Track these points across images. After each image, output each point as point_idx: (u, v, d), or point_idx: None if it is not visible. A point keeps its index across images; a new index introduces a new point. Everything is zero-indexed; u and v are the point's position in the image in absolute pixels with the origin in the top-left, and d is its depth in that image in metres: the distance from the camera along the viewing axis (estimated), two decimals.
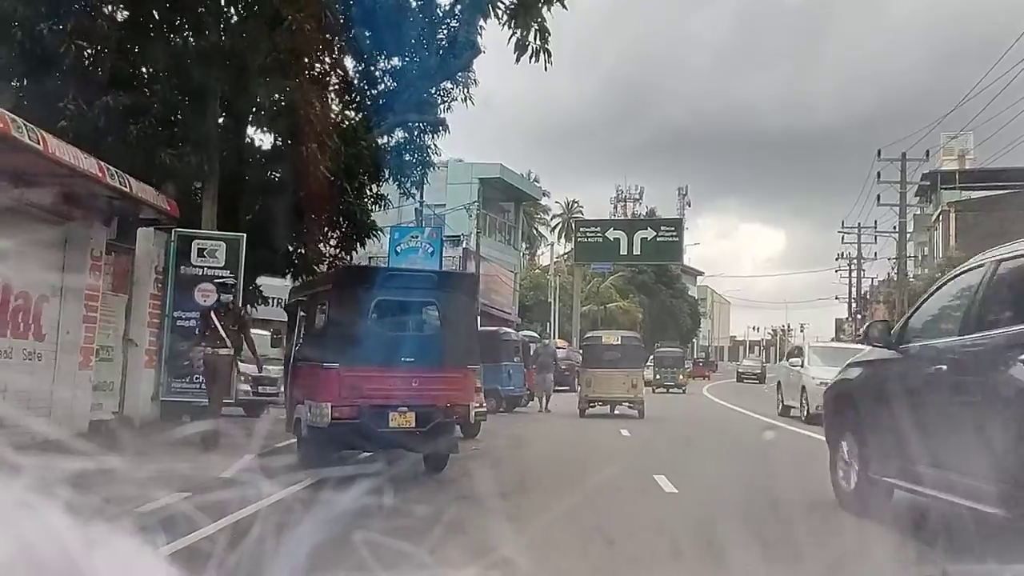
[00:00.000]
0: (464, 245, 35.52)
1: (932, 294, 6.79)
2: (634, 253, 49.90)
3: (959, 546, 4.59)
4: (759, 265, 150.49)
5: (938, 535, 4.87)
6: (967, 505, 5.02)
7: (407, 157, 18.31)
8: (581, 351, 22.77)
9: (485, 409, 12.66)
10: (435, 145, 18.69)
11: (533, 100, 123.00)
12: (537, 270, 62.32)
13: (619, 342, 20.25)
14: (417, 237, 26.37)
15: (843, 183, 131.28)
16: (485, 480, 6.91)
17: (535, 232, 70.29)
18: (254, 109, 12.14)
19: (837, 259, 62.58)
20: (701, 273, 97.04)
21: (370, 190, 17.47)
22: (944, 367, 5.74)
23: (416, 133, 18.46)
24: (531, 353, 20.37)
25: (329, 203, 13.23)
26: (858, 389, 7.15)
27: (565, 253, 64.14)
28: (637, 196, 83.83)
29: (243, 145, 12.48)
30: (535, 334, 43.86)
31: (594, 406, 19.21)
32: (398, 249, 26.37)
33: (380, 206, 18.07)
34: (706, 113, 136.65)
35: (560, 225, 76.59)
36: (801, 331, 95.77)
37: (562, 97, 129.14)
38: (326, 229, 13.64)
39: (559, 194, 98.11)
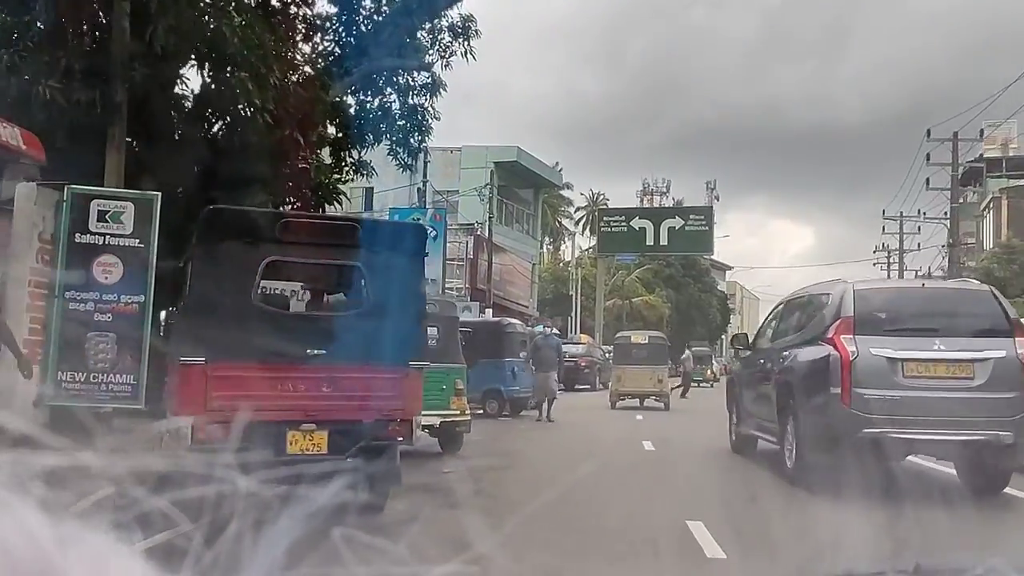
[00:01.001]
0: (477, 232, 32.82)
1: (770, 315, 11.84)
2: (661, 243, 47.00)
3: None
4: (788, 262, 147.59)
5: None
6: (771, 442, 9.54)
7: (400, 121, 15.69)
8: (611, 349, 26.14)
9: (469, 418, 9.96)
10: (432, 108, 16.04)
11: (559, 97, 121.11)
12: (561, 264, 59.46)
13: (646, 341, 22.71)
14: (419, 219, 23.73)
15: (871, 179, 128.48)
16: (432, 541, 3.87)
17: (559, 225, 67.48)
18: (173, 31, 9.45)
19: (875, 251, 59.38)
20: (730, 268, 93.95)
21: (345, 154, 14.90)
22: (762, 361, 10.50)
23: (408, 92, 15.81)
24: (529, 346, 17.41)
25: (278, 158, 10.58)
26: (735, 376, 12.71)
27: (589, 247, 61.31)
28: (664, 190, 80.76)
29: (162, 79, 9.80)
30: (555, 330, 41.18)
31: (624, 399, 21.47)
32: None
33: (363, 174, 15.46)
34: (733, 110, 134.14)
35: (584, 218, 73.60)
36: None
37: (589, 94, 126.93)
38: (272, 191, 10.95)
39: (584, 189, 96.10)
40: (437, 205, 39.69)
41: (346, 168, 15.28)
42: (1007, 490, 8.07)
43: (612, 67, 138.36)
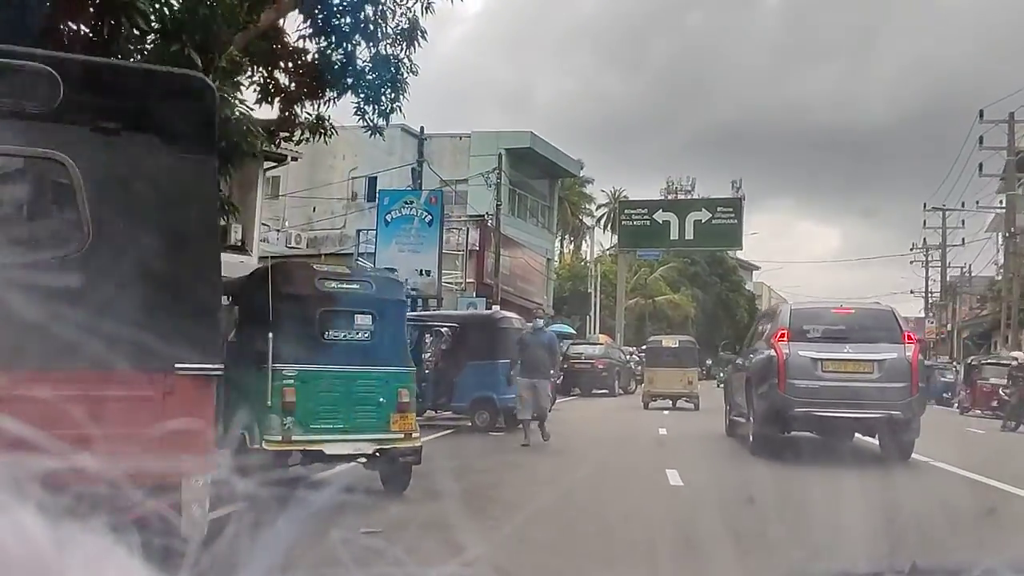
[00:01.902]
0: (487, 222, 29.93)
1: (754, 326, 15.28)
2: (686, 238, 43.89)
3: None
4: (815, 264, 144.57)
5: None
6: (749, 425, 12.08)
7: (369, 75, 12.86)
8: (633, 350, 29.01)
9: (419, 444, 6.94)
10: (410, 60, 13.16)
11: (583, 97, 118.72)
12: (582, 261, 56.39)
13: (677, 345, 23.53)
14: (412, 203, 20.94)
15: (899, 179, 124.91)
16: None
17: (579, 223, 64.40)
18: None
19: (912, 249, 55.82)
20: (757, 267, 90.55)
21: (299, 107, 12.16)
22: (740, 361, 14.03)
23: (380, 39, 12.95)
24: (515, 343, 13.68)
25: None
26: (728, 376, 16.24)
27: (611, 246, 58.21)
28: (689, 188, 77.49)
29: None
30: (570, 328, 38.12)
31: (656, 400, 22.17)
32: (388, 218, 20.99)
33: (322, 134, 12.74)
34: (758, 110, 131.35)
35: (606, 215, 70.39)
36: None
37: (613, 95, 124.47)
38: None
39: (606, 187, 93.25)
40: (452, 200, 37.03)
41: (300, 123, 12.52)
42: (1005, 487, 8.66)
43: (636, 68, 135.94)
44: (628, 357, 35.68)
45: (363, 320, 6.73)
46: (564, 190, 65.28)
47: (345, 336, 6.76)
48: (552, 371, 13.66)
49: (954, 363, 34.53)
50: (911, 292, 61.34)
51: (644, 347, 26.84)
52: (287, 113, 12.50)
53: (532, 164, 38.22)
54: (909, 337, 11.61)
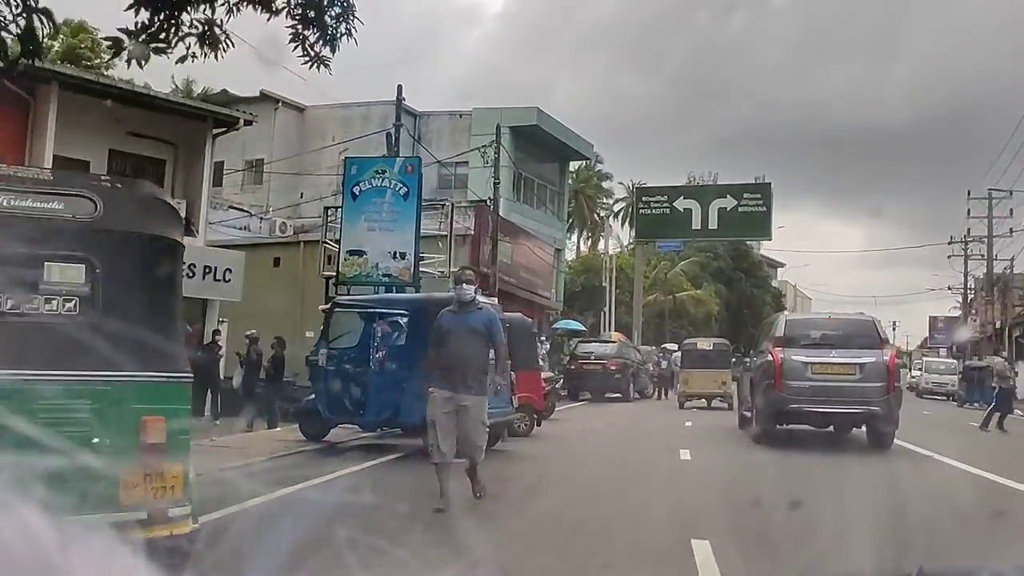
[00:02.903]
0: (490, 207, 26.53)
1: (760, 331, 17.65)
2: (710, 227, 40.24)
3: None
4: (837, 262, 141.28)
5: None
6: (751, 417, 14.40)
7: None
8: (661, 351, 32.70)
9: (193, 528, 3.31)
10: None
11: (600, 97, 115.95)
12: (596, 252, 52.76)
13: (711, 348, 24.52)
14: (384, 172, 17.53)
15: (922, 179, 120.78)
16: None
17: (597, 218, 60.79)
18: None
19: (950, 242, 51.79)
20: (782, 264, 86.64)
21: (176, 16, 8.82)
22: (747, 363, 17.30)
23: None
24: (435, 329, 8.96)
25: None
26: (740, 376, 17.92)
27: (630, 242, 54.54)
28: (711, 184, 73.65)
29: None
30: (579, 325, 34.60)
31: (691, 400, 23.28)
32: (355, 190, 17.59)
33: (210, 46, 9.33)
34: (778, 111, 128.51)
35: (624, 210, 66.61)
36: (893, 329, 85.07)
37: (632, 95, 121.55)
38: None
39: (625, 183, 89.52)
40: (451, 183, 33.63)
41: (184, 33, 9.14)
42: (1013, 484, 9.08)
43: (655, 67, 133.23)
44: (655, 359, 32.15)
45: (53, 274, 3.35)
46: (579, 183, 62.04)
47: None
48: (538, 362, 10.03)
49: (1010, 365, 30.23)
50: (948, 288, 57.49)
51: (681, 350, 27.54)
52: (165, 20, 9.12)
53: (539, 145, 34.74)
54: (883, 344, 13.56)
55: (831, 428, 13.53)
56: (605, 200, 63.32)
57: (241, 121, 18.93)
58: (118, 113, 18.01)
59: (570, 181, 61.51)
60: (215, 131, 19.33)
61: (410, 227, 17.53)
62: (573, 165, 43.68)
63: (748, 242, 63.98)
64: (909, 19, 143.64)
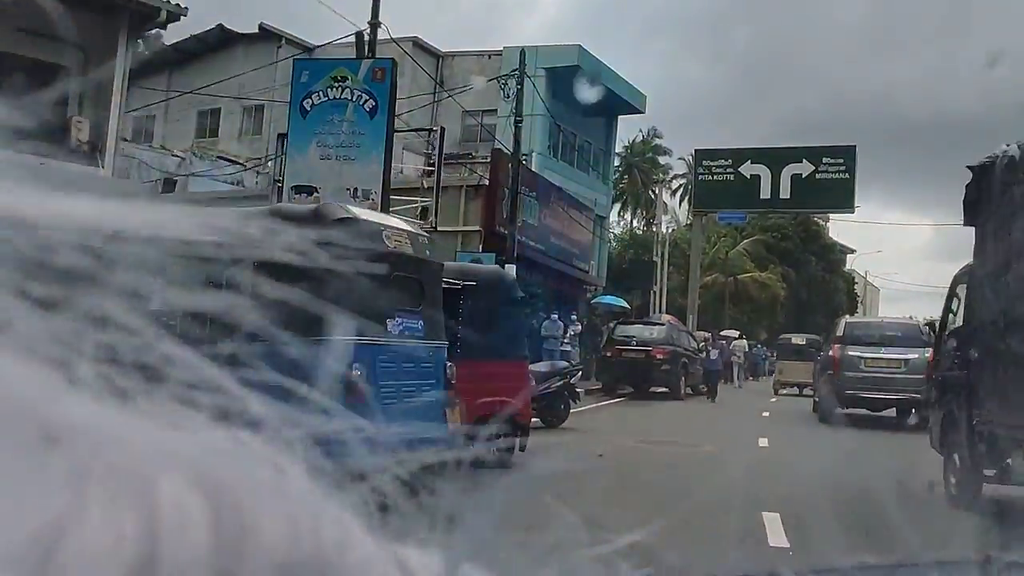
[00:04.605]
0: (523, 159, 21.44)
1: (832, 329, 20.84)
2: (781, 197, 34.58)
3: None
4: (905, 256, 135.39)
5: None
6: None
7: None
8: (776, 348, 32.75)
9: None
10: None
11: (664, 84, 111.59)
12: (649, 228, 47.26)
13: (804, 342, 27.83)
14: (344, 80, 12.56)
15: None
16: None
17: (651, 195, 55.17)
18: None
19: None
20: (852, 251, 79.83)
21: None
22: (819, 357, 20.45)
23: None
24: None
25: None
26: (815, 368, 20.74)
27: (687, 220, 48.99)
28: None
29: None
30: (622, 302, 29.30)
31: (784, 388, 26.43)
32: (307, 104, 12.71)
33: None
34: (842, 99, 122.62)
35: (683, 187, 60.76)
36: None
37: (694, 81, 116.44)
38: None
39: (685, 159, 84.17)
40: (474, 135, 28.69)
41: None
42: None
43: (717, 54, 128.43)
44: (701, 345, 26.51)
45: None
46: (634, 156, 56.59)
47: None
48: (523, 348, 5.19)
49: None
50: None
51: (776, 344, 31.52)
52: None
53: (582, 93, 29.39)
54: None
55: (892, 411, 15.93)
56: (662, 176, 57.68)
57: (163, 14, 14.13)
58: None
59: (622, 150, 56.29)
60: (136, 33, 14.67)
61: (378, 155, 12.58)
62: (625, 133, 38.31)
63: (819, 222, 58.22)
64: (981, 6, 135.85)
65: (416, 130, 17.22)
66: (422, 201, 13.92)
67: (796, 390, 25.12)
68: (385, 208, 12.90)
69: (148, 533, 0.29)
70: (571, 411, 11.82)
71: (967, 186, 8.01)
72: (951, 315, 8.88)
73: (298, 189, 12.70)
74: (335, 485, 0.41)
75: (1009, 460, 6.78)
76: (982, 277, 7.84)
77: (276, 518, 0.34)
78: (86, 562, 0.27)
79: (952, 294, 8.86)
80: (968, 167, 8.03)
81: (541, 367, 11.51)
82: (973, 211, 7.90)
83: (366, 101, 12.70)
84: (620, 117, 33.58)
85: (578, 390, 11.61)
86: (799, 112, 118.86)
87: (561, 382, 11.02)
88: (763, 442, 11.59)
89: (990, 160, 7.53)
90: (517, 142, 19.60)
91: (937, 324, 9.73)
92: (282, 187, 13.07)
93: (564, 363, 12.10)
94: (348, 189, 12.68)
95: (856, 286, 76.28)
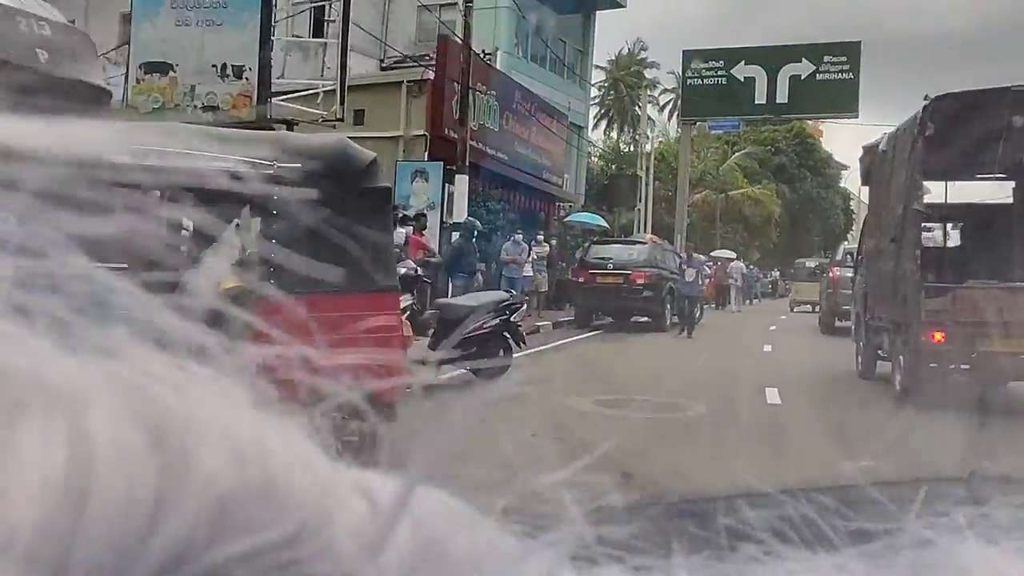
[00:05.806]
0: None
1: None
2: (778, 101, 31.16)
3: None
4: None
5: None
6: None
7: None
8: (790, 272, 35.97)
9: None
10: None
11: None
12: (632, 141, 43.79)
13: (816, 265, 28.54)
14: None
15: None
16: None
17: (637, 111, 51.39)
18: None
19: None
20: (846, 167, 76.66)
21: None
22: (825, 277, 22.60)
23: None
24: None
25: None
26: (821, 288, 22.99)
27: (677, 136, 45.46)
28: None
29: None
30: (599, 220, 26.04)
31: (800, 306, 29.48)
32: None
33: None
34: (829, 16, 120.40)
35: (671, 103, 56.85)
36: None
37: None
38: None
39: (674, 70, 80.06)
40: (429, 22, 25.02)
41: None
42: None
43: None
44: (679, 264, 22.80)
45: None
46: (620, 70, 52.75)
47: None
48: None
49: None
50: None
51: (792, 268, 34.45)
52: None
53: None
54: None
55: None
56: (649, 93, 53.84)
57: None
58: None
59: (607, 64, 52.53)
60: None
61: (253, 20, 9.25)
62: (606, 37, 34.45)
63: (813, 136, 54.81)
64: None
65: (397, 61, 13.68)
66: (325, 87, 10.53)
67: (809, 308, 27.47)
68: (265, 82, 9.59)
69: (82, 465, 0.28)
70: (516, 355, 8.82)
71: (860, 159, 11.62)
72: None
73: (150, 67, 9.44)
74: (283, 412, 0.37)
75: (885, 341, 10.02)
76: (868, 220, 11.96)
77: (219, 446, 0.33)
78: (15, 497, 0.26)
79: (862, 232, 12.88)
80: (863, 146, 11.45)
81: (466, 300, 8.51)
82: (866, 176, 11.29)
83: None
84: (599, 12, 29.77)
85: (522, 329, 8.61)
86: (785, 30, 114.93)
87: (496, 320, 7.98)
88: (772, 395, 8.56)
89: (875, 144, 10.64)
90: (468, 25, 16.14)
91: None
92: (128, 66, 9.74)
93: (503, 294, 9.05)
94: (214, 65, 9.41)
95: (853, 201, 73.37)
